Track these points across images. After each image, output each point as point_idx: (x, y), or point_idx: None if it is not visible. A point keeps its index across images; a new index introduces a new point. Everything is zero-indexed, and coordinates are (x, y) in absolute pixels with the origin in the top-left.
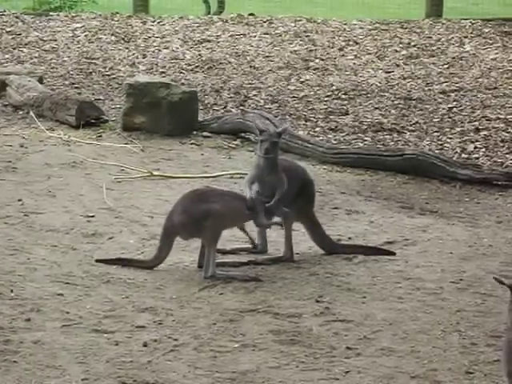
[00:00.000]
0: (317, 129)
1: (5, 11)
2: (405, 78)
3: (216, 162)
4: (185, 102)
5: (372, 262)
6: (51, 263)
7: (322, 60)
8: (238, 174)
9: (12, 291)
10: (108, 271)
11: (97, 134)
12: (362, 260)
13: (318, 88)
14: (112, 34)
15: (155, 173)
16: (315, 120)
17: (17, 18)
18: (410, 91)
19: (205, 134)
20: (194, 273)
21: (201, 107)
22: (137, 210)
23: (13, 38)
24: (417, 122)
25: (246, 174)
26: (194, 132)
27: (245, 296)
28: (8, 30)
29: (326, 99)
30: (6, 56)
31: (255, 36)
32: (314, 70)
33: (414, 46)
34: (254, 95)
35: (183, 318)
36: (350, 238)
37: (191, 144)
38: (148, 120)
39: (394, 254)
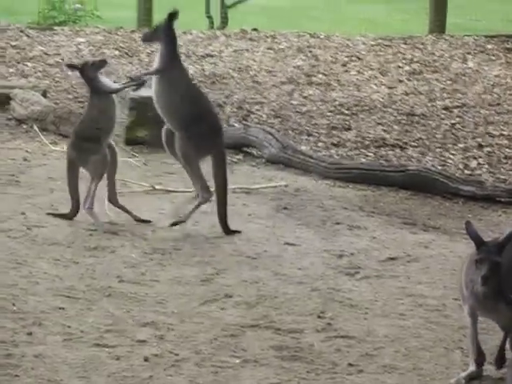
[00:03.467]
0: (319, 144)
1: (10, 25)
2: (408, 94)
3: None
4: None
5: (374, 278)
6: (53, 277)
7: (325, 75)
8: (240, 188)
9: (14, 305)
10: (110, 285)
11: None
12: (364, 276)
13: (320, 103)
14: (116, 49)
15: (157, 187)
16: (318, 135)
17: (21, 32)
18: (412, 107)
19: None
20: (195, 287)
21: None
22: (139, 224)
23: (17, 53)
24: (420, 138)
25: (248, 188)
26: None
27: (246, 311)
28: (13, 44)
29: (328, 114)
30: (11, 70)
31: (258, 51)
32: (317, 85)
33: (417, 61)
34: (257, 110)
35: (184, 333)
36: (352, 254)
37: None
38: (151, 134)
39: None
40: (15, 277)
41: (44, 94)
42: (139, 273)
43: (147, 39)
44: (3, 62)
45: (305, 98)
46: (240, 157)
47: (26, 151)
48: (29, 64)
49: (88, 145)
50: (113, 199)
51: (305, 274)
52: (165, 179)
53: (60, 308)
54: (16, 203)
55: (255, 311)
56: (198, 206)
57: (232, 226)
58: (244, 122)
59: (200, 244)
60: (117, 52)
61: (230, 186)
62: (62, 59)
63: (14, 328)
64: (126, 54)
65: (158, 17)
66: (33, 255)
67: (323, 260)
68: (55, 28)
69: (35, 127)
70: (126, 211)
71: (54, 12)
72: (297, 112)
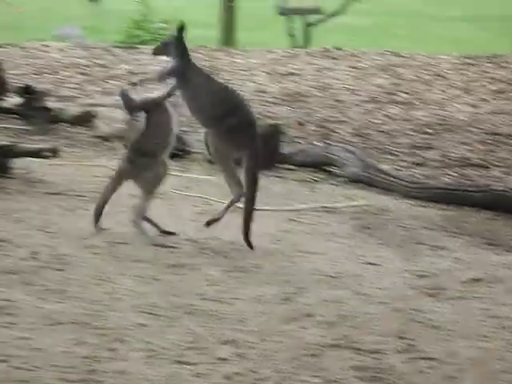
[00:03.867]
0: (401, 163)
1: (96, 44)
2: (492, 113)
3: (299, 195)
4: (269, 134)
5: (457, 300)
6: (136, 293)
7: (408, 94)
8: (321, 207)
9: (97, 320)
10: (191, 303)
11: (182, 165)
12: (446, 297)
13: (403, 122)
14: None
15: (238, 205)
16: (400, 154)
17: (107, 50)
18: (497, 126)
19: (288, 166)
20: (275, 306)
21: (285, 140)
22: (220, 241)
23: (102, 71)
24: (504, 158)
25: (329, 206)
26: (278, 165)
27: (327, 330)
28: (98, 62)
29: (411, 133)
30: (95, 88)
31: (340, 69)
32: (400, 103)
33: (502, 80)
34: (338, 128)
35: (265, 352)
36: (434, 274)
37: (274, 177)
38: None
39: None
40: (99, 293)
41: None
42: (220, 290)
43: (158, 53)
44: (88, 80)
45: (387, 116)
46: (321, 175)
47: (110, 169)
48: (113, 82)
49: (143, 160)
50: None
51: (386, 293)
52: None
53: (142, 325)
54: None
55: (336, 331)
56: (231, 204)
57: (312, 244)
58: (325, 141)
59: (280, 262)
60: None
61: (311, 205)
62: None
63: (96, 344)
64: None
65: (241, 35)
66: (116, 272)
67: (404, 280)
68: (139, 46)
69: (118, 145)
70: (152, 223)
71: (139, 31)
72: (378, 131)
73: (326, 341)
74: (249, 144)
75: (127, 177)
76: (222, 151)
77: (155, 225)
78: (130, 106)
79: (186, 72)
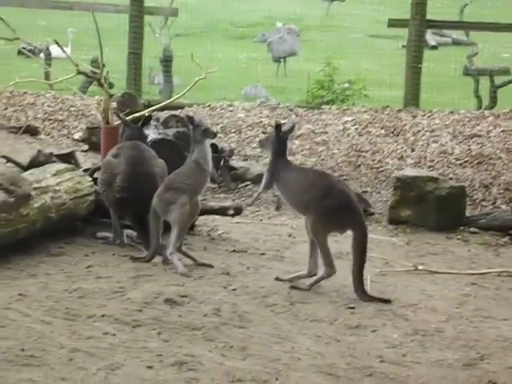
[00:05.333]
0: None
1: (279, 104)
2: None
3: (483, 259)
4: (452, 196)
5: None
6: (315, 353)
7: None
8: (505, 272)
9: (277, 379)
10: (371, 365)
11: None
12: None
13: None
14: (382, 128)
15: (420, 267)
16: None
17: (291, 110)
18: None
19: (472, 229)
20: (457, 371)
21: (469, 203)
22: (400, 304)
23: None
24: None
25: None
26: (461, 227)
27: None
28: (282, 122)
29: None
30: None
31: None
32: None
33: None
34: None
35: None
36: None
37: (458, 239)
38: (414, 213)
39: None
40: (278, 351)
41: None
42: (400, 354)
43: (261, 146)
44: None
45: None
46: (506, 239)
47: (291, 227)
48: (296, 142)
49: (170, 194)
50: (179, 244)
51: None
52: (428, 259)
53: None
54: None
55: None
56: (320, 279)
57: (496, 310)
58: (511, 205)
59: (463, 327)
60: (383, 131)
61: (496, 270)
62: (329, 137)
63: None
64: (392, 132)
65: (426, 96)
66: (295, 331)
67: None
68: (323, 107)
69: None
70: (189, 256)
71: (323, 91)
72: None
73: None
74: (352, 222)
75: (158, 212)
76: (319, 232)
77: (191, 257)
78: None
79: (279, 168)
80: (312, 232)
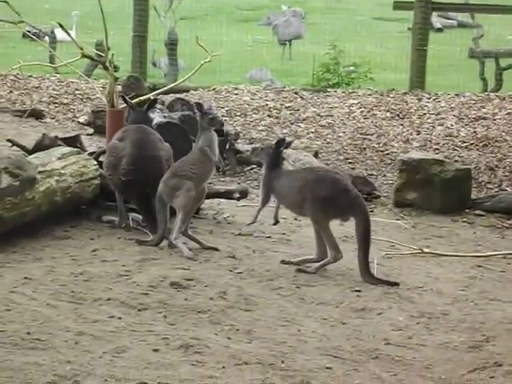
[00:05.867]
0: None
1: (285, 87)
2: None
3: (488, 242)
4: (458, 179)
5: None
6: (321, 336)
7: None
8: (511, 254)
9: (283, 362)
10: (377, 347)
11: (369, 209)
12: None
13: None
14: (387, 111)
15: (426, 250)
16: None
17: (296, 93)
18: None
19: (477, 212)
20: (463, 354)
21: (474, 185)
22: (406, 286)
23: (291, 113)
24: None
25: None
26: (467, 210)
27: None
28: (287, 105)
29: None
30: (284, 130)
31: None
32: None
33: None
34: None
35: None
36: None
37: (463, 222)
38: (420, 196)
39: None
40: (284, 334)
41: (316, 155)
42: (406, 336)
43: (258, 156)
44: (278, 123)
45: None
46: (511, 222)
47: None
48: (301, 125)
49: (176, 181)
50: (184, 228)
51: None
52: (433, 242)
53: (327, 368)
54: None
55: None
56: (327, 263)
57: (502, 292)
58: None
59: (469, 309)
60: (388, 114)
61: (501, 252)
62: (334, 120)
63: None
64: (398, 115)
65: (431, 79)
66: (301, 314)
67: None
68: (328, 90)
69: None
70: (195, 240)
71: (328, 74)
72: None
73: None
74: (351, 209)
75: (163, 198)
76: (320, 221)
77: (197, 241)
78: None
79: (273, 180)
80: (313, 222)
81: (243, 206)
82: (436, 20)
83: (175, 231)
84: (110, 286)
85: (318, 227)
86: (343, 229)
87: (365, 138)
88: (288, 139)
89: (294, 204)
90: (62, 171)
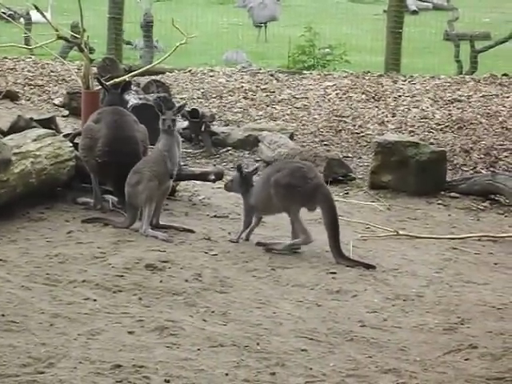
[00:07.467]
0: None
1: (260, 69)
2: None
3: (463, 224)
4: (433, 161)
5: None
6: (296, 318)
7: None
8: (485, 236)
9: (258, 344)
10: (352, 329)
11: (344, 191)
12: None
13: None
14: (363, 93)
15: (401, 232)
16: None
17: (271, 75)
18: None
19: (452, 194)
20: (438, 336)
21: (449, 167)
22: (381, 268)
23: (267, 96)
24: None
25: (495, 236)
26: (442, 192)
27: (491, 363)
28: (263, 87)
29: None
30: (260, 113)
31: (508, 96)
32: None
33: None
34: (506, 156)
35: (427, 382)
36: None
37: (438, 204)
38: (395, 179)
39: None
40: (260, 316)
41: (291, 137)
42: (381, 318)
43: (229, 190)
44: (253, 105)
45: None
46: (486, 204)
47: None
48: (277, 107)
49: (136, 177)
50: (156, 222)
51: None
52: (408, 224)
53: (302, 350)
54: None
55: (501, 364)
56: (294, 244)
57: (477, 274)
58: (491, 169)
59: (444, 292)
60: (363, 96)
61: (476, 234)
62: (309, 102)
63: (257, 368)
64: (373, 98)
65: (407, 61)
66: (277, 296)
67: None
68: (304, 72)
69: None
70: (169, 227)
71: (304, 56)
72: None
73: (490, 373)
74: (315, 196)
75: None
76: (289, 208)
77: (172, 227)
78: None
79: (250, 199)
80: (284, 210)
81: (218, 187)
82: (411, 2)
83: (144, 225)
84: (85, 268)
85: (288, 214)
86: (315, 213)
87: (340, 120)
88: (250, 165)
89: (266, 203)
90: (37, 153)
